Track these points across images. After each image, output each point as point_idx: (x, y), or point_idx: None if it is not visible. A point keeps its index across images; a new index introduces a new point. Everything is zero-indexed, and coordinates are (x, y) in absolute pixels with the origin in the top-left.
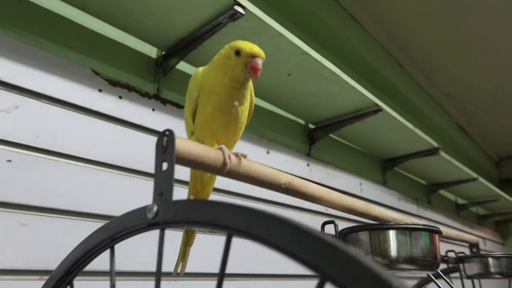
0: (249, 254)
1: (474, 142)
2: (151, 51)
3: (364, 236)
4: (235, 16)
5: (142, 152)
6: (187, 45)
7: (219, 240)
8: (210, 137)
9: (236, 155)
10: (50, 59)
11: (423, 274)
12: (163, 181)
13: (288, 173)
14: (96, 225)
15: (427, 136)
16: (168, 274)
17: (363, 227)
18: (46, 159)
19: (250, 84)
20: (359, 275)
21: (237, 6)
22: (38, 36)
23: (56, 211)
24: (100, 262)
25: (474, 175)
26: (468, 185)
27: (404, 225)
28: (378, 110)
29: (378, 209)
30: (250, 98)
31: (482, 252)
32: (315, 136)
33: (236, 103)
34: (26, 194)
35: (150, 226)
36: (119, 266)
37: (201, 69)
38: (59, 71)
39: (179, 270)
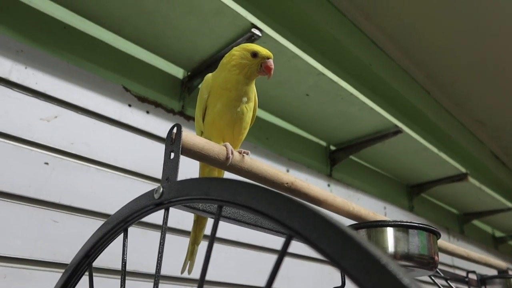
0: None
1: (511, 172)
2: (178, 72)
3: (362, 233)
4: (252, 38)
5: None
6: (209, 66)
7: (227, 248)
8: (217, 136)
9: (240, 152)
10: (87, 77)
11: (424, 273)
12: (170, 168)
13: (292, 175)
14: None
15: (453, 161)
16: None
17: (362, 225)
18: (79, 164)
19: (255, 90)
20: (322, 229)
21: (255, 29)
22: (78, 56)
23: (84, 211)
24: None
25: (510, 204)
26: (505, 215)
27: (402, 223)
28: (398, 131)
29: (388, 219)
30: (254, 100)
31: None
32: (336, 158)
33: (245, 99)
34: (59, 194)
35: (157, 206)
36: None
37: (210, 74)
38: (95, 87)
39: (187, 268)
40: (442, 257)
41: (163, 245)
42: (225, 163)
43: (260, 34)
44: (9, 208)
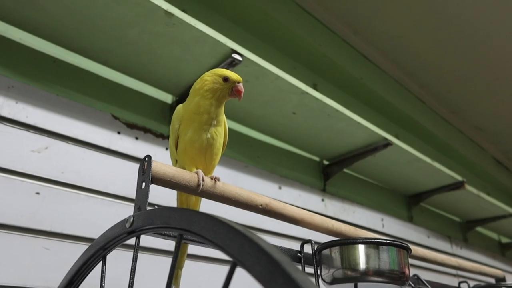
0: None
1: None
2: (167, 98)
3: (335, 251)
4: (233, 63)
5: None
6: None
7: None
8: (189, 164)
9: (211, 178)
10: (76, 107)
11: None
12: (141, 197)
13: (267, 196)
14: None
15: (448, 170)
16: None
17: (334, 243)
18: (70, 192)
19: (224, 116)
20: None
21: (235, 54)
22: (68, 88)
23: (75, 238)
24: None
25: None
26: (510, 221)
27: (372, 240)
28: (388, 144)
29: (370, 234)
30: (224, 126)
31: None
32: (329, 172)
33: (214, 122)
34: (50, 221)
35: (129, 234)
36: None
37: (180, 105)
38: (84, 116)
39: None
40: (445, 268)
41: (134, 271)
42: (196, 190)
43: (241, 59)
44: (1, 238)
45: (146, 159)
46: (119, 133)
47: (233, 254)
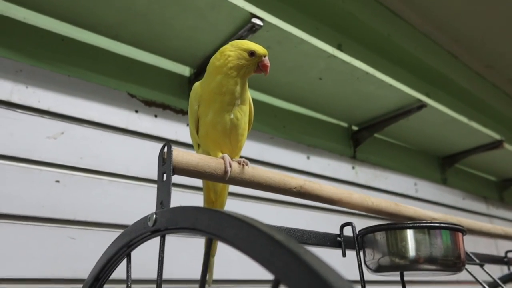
0: None
1: None
2: (184, 71)
3: (380, 236)
4: (253, 28)
5: None
6: None
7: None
8: (214, 148)
9: (239, 162)
10: (89, 87)
11: (449, 274)
12: (163, 191)
13: (301, 177)
14: None
15: (486, 129)
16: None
17: (379, 227)
18: (91, 178)
19: (249, 94)
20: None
21: (255, 19)
22: (79, 67)
23: (100, 225)
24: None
25: None
26: None
27: (422, 224)
28: (422, 106)
29: (412, 208)
30: (249, 103)
31: None
32: (359, 138)
33: (238, 101)
34: (73, 210)
35: (152, 233)
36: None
37: (198, 83)
38: (98, 97)
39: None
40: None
41: (161, 275)
42: (224, 177)
43: (262, 24)
44: (25, 230)
45: (166, 148)
46: (136, 111)
47: (275, 273)
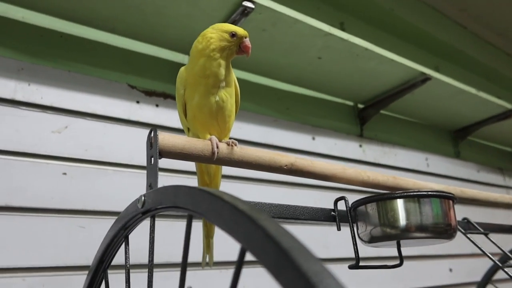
0: None
1: None
2: (183, 59)
3: (371, 208)
4: (245, 11)
5: None
6: None
7: None
8: (202, 131)
9: (228, 143)
10: (90, 81)
11: (442, 242)
12: (151, 174)
13: (292, 155)
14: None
15: (496, 99)
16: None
17: (370, 199)
18: (96, 169)
19: (233, 76)
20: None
21: (246, 1)
22: (79, 62)
23: (109, 213)
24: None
25: None
26: None
27: (411, 193)
28: (427, 79)
29: (411, 181)
30: (235, 85)
31: None
32: (365, 115)
33: (223, 84)
34: (82, 200)
35: (143, 214)
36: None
37: (183, 68)
38: (99, 90)
39: (207, 260)
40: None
41: (152, 253)
42: (211, 158)
43: (253, 6)
44: (37, 221)
45: (152, 133)
46: (138, 102)
47: (241, 241)
